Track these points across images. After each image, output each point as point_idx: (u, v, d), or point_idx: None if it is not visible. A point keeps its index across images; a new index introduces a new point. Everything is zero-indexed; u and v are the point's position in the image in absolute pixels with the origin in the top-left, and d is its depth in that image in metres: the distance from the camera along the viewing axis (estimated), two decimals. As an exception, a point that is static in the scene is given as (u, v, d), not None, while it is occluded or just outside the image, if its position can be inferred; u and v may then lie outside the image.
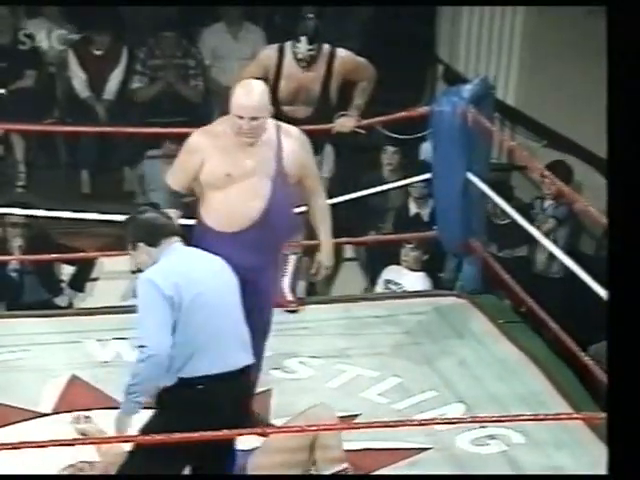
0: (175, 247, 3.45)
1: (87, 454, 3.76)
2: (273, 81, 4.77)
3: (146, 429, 3.39)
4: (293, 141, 3.88)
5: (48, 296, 6.12)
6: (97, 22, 7.04)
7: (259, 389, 4.35)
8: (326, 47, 4.78)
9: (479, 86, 5.07)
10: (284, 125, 3.91)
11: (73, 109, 7.06)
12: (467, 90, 4.98)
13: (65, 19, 7.29)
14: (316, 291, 6.32)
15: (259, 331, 3.81)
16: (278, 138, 3.84)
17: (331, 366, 4.59)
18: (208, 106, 7.24)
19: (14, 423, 4.11)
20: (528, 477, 3.84)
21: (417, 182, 5.88)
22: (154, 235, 3.42)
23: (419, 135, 5.24)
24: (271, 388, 4.39)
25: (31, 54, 7.04)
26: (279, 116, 4.80)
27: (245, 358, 3.42)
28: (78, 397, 4.31)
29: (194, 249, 3.53)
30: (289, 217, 3.89)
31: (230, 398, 3.35)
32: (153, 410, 3.43)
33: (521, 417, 3.99)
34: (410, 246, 5.88)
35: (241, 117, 3.75)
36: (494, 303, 5.15)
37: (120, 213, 5.37)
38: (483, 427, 4.09)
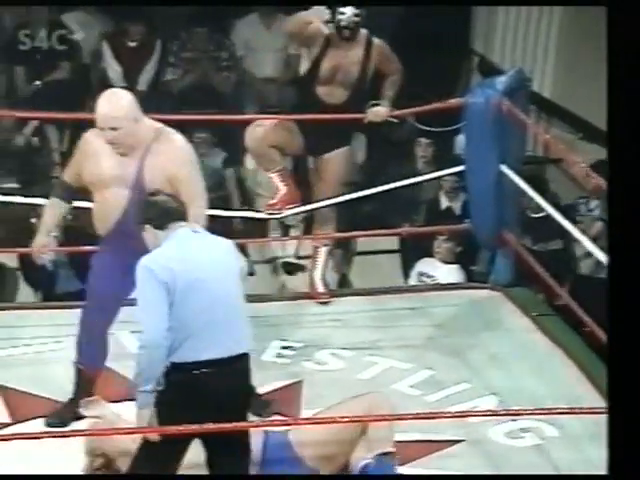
0: (180, 232, 3.43)
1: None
2: (316, 56, 4.77)
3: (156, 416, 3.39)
4: (164, 153, 3.76)
5: (82, 287, 6.14)
6: (130, 14, 7.05)
7: (290, 380, 4.38)
8: (364, 32, 4.82)
9: (514, 78, 5.03)
10: (166, 136, 3.80)
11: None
12: (501, 82, 4.94)
13: (100, 11, 7.30)
14: (348, 283, 6.31)
15: None
16: (147, 149, 3.77)
17: (362, 358, 4.58)
18: (240, 98, 7.24)
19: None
20: (529, 477, 3.80)
21: (449, 175, 5.84)
22: (161, 218, 3.44)
23: (452, 128, 5.20)
24: (302, 380, 4.39)
25: (65, 47, 7.07)
26: (314, 98, 4.82)
27: (241, 346, 3.37)
28: (110, 388, 4.31)
29: (201, 235, 3.49)
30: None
31: (226, 385, 3.33)
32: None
33: (555, 410, 3.95)
34: (443, 238, 5.85)
35: (103, 128, 3.74)
36: (528, 296, 5.11)
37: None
38: (516, 420, 4.07)
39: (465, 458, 3.93)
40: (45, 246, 4.03)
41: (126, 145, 3.77)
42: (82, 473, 3.70)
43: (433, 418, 3.92)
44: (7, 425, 4.06)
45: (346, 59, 4.79)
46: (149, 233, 3.46)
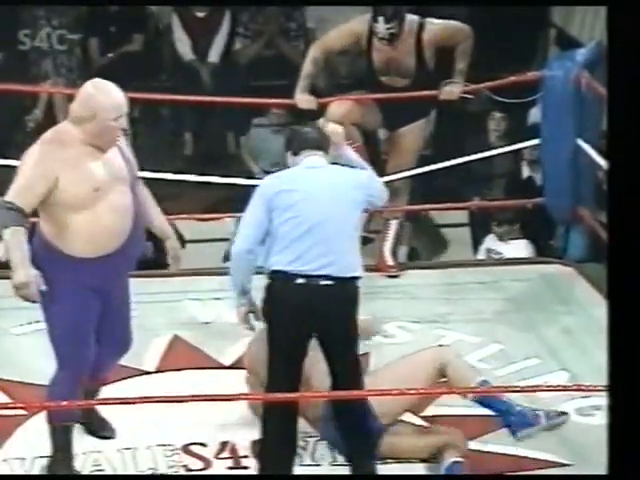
0: (309, 159, 3.62)
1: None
2: (366, 50, 4.70)
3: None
4: (125, 145, 3.51)
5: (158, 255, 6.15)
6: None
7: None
8: (414, 20, 4.66)
9: (594, 50, 4.91)
10: None
11: (179, 72, 7.09)
12: (581, 54, 4.86)
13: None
14: (418, 256, 6.27)
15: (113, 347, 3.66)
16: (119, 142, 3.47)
17: (431, 331, 4.54)
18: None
19: (120, 380, 4.10)
20: (528, 477, 3.72)
21: (529, 146, 5.74)
22: (297, 145, 3.66)
23: (529, 99, 5.11)
24: (369, 352, 4.35)
25: (139, 18, 7.10)
26: (379, 85, 4.77)
27: (340, 269, 3.50)
28: (180, 357, 4.34)
29: (329, 165, 3.64)
30: (143, 229, 3.56)
31: (322, 299, 3.50)
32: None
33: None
34: (495, 223, 5.79)
35: (118, 118, 3.37)
36: (600, 272, 5.00)
37: (223, 176, 5.41)
38: (587, 397, 3.99)
39: (534, 434, 3.86)
40: (33, 276, 3.37)
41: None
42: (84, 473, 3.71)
43: (502, 392, 3.86)
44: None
45: (395, 54, 4.68)
46: (289, 159, 3.68)
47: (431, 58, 4.72)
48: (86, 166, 3.38)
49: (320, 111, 4.87)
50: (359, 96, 4.86)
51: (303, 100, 4.78)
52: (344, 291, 3.55)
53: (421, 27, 4.67)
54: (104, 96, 3.40)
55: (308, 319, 3.52)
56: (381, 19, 4.58)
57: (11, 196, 3.35)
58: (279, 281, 3.53)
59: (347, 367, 3.60)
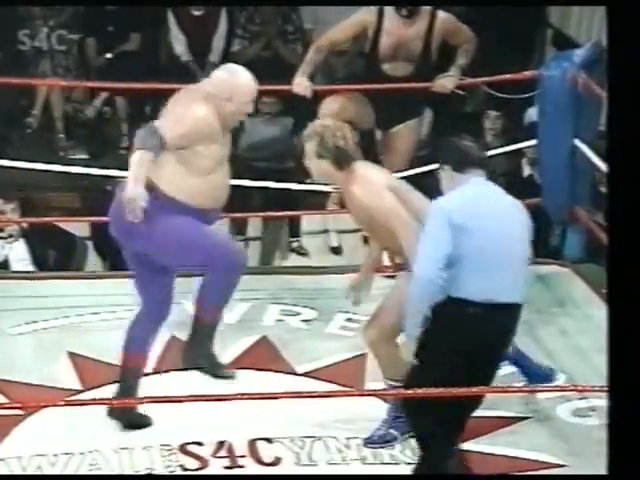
0: (476, 180, 3.48)
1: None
2: (373, 38, 4.75)
3: (419, 342, 3.49)
4: None
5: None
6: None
7: (354, 353, 4.35)
8: (427, 7, 4.77)
9: (591, 51, 4.93)
10: None
11: (176, 72, 7.07)
12: (578, 55, 4.88)
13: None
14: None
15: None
16: None
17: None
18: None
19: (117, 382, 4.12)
20: (528, 477, 3.73)
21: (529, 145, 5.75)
22: (462, 162, 3.48)
23: (525, 96, 5.13)
24: (366, 352, 4.35)
25: (136, 17, 7.08)
26: (379, 74, 4.79)
27: (511, 295, 3.44)
28: (177, 357, 4.32)
29: (493, 186, 3.54)
30: None
31: (494, 328, 3.42)
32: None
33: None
34: None
35: (249, 102, 3.66)
36: (598, 272, 5.01)
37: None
38: (584, 398, 4.00)
39: (531, 435, 3.89)
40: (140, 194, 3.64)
41: None
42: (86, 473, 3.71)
43: (499, 392, 3.87)
44: (79, 392, 4.10)
45: (406, 36, 4.74)
46: (447, 175, 3.50)
47: (436, 49, 4.78)
48: (220, 138, 3.64)
49: (315, 105, 4.89)
50: (354, 86, 4.88)
51: (300, 84, 4.77)
52: (517, 316, 3.48)
53: (433, 15, 4.76)
54: (240, 79, 3.65)
55: (486, 346, 3.43)
56: None
57: (160, 124, 3.59)
58: (467, 308, 3.39)
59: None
